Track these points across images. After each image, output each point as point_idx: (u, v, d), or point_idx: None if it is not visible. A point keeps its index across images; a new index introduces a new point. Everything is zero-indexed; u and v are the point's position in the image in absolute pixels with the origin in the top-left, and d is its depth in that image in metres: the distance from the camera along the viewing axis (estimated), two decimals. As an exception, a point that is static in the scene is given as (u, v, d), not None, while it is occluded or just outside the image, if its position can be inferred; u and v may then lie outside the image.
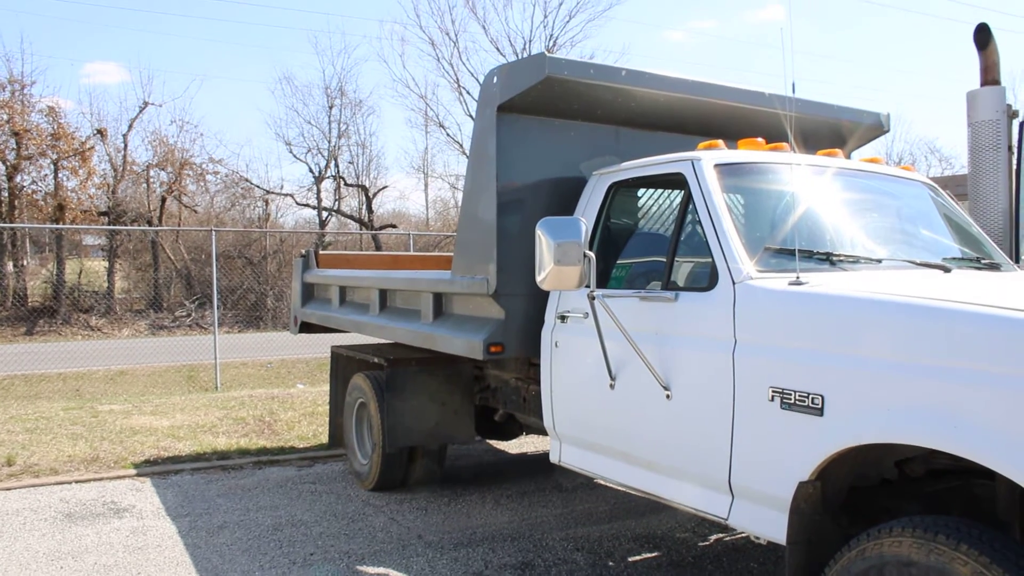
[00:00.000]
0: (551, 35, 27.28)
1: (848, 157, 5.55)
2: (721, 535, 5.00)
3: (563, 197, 4.45)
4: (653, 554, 4.72)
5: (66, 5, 46.54)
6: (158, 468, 6.79)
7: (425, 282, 5.37)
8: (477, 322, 4.67)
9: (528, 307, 4.39)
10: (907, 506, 2.96)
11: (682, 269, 3.64)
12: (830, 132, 5.21)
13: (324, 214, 30.42)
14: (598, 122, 4.67)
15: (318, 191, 30.15)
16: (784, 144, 4.02)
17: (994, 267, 3.90)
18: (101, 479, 6.48)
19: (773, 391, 2.96)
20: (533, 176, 4.48)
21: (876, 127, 5.40)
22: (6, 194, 23.05)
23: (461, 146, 28.80)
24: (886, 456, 2.92)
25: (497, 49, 27.76)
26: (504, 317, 4.42)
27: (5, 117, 22.49)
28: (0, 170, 23.20)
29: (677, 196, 3.92)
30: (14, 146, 22.78)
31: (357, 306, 6.70)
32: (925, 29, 58.92)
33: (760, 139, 3.99)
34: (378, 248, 25.83)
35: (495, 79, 4.40)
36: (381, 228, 29.22)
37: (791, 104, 4.50)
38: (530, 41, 27.39)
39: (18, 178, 23.13)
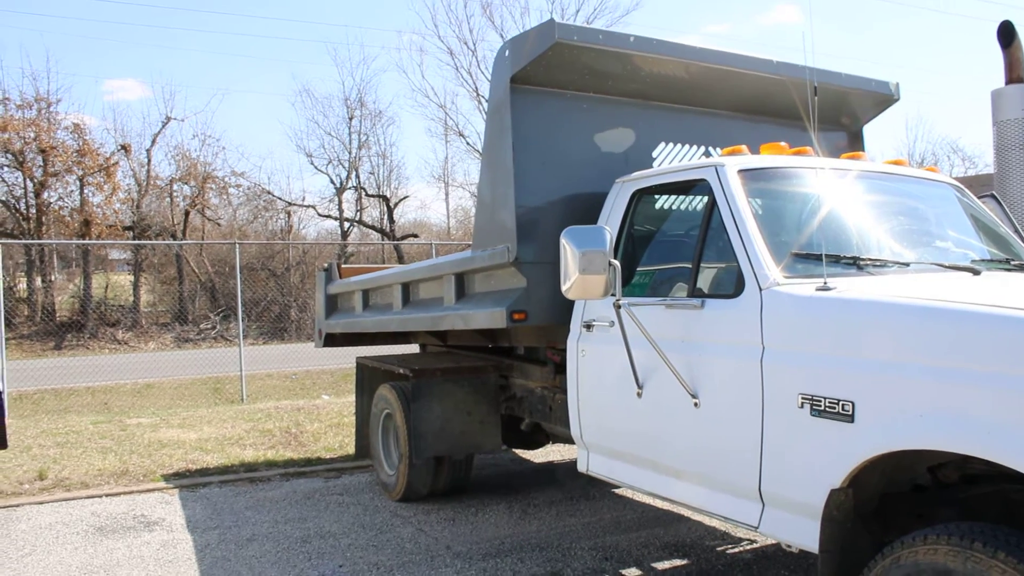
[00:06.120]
0: (569, 42, 27.24)
1: (861, 129, 5.53)
2: (751, 543, 4.96)
3: (578, 169, 4.51)
4: (682, 562, 4.69)
5: (86, 24, 47.22)
6: (186, 481, 6.85)
7: (447, 265, 5.42)
8: (499, 294, 4.70)
9: (550, 275, 4.35)
10: (941, 513, 2.93)
11: (708, 276, 3.62)
12: (840, 102, 5.21)
13: (346, 225, 30.62)
14: (610, 94, 4.72)
15: (339, 202, 30.39)
16: (808, 148, 4.00)
17: (1024, 268, 3.85)
18: (131, 492, 6.55)
19: (803, 398, 2.93)
20: (548, 147, 4.51)
21: (886, 96, 5.37)
22: (34, 210, 23.43)
23: (480, 155, 28.87)
24: (919, 462, 2.88)
25: (515, 57, 27.78)
26: (526, 285, 4.43)
27: (32, 135, 22.88)
28: (28, 187, 23.58)
29: (701, 202, 3.90)
30: (41, 163, 23.18)
31: (380, 307, 6.75)
32: (947, 28, 58.40)
33: (783, 143, 3.97)
34: (400, 258, 25.95)
35: (506, 52, 4.47)
36: (403, 238, 29.37)
37: (806, 75, 4.48)
38: (548, 49, 27.38)
39: (45, 194, 23.53)
